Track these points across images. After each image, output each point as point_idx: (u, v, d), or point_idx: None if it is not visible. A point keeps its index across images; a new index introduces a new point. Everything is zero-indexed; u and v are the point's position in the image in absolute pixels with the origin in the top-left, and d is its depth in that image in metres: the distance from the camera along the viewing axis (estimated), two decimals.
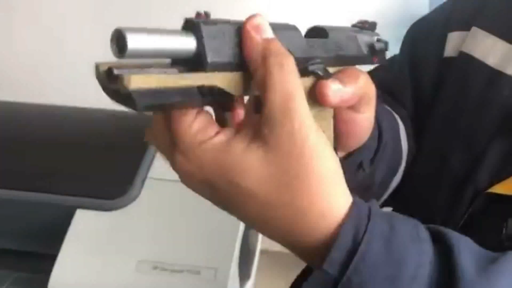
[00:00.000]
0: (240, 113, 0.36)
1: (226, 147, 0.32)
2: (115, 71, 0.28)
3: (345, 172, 0.42)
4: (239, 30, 0.33)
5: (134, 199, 0.95)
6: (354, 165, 0.47)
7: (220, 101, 0.34)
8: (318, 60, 0.37)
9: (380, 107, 0.51)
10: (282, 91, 0.32)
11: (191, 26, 0.31)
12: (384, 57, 0.44)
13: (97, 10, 1.64)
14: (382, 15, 1.50)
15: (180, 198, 0.94)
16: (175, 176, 0.36)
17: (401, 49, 0.62)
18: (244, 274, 1.04)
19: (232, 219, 1.11)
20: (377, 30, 0.44)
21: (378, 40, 0.43)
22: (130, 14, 1.63)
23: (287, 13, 1.60)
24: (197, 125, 0.32)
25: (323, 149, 0.32)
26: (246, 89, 0.34)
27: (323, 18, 1.55)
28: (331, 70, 0.38)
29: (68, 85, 1.64)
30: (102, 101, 0.38)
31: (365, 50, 0.42)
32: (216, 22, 0.32)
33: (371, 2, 1.55)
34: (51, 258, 0.88)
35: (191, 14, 0.32)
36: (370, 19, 0.44)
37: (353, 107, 0.41)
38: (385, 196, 0.56)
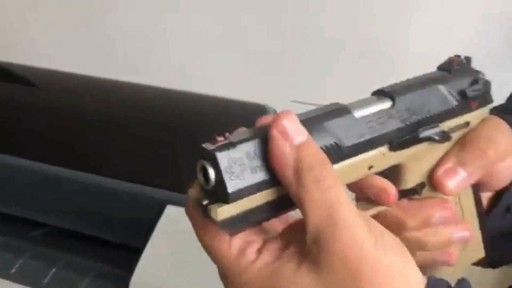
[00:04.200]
0: None
1: (274, 271, 0.30)
2: (203, 202, 0.29)
3: (492, 216, 0.41)
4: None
5: None
6: (501, 209, 0.41)
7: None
8: (429, 118, 0.34)
9: None
10: (322, 209, 0.28)
11: (206, 155, 0.29)
12: (488, 98, 0.38)
13: None
14: None
15: None
16: None
17: None
18: None
19: None
20: None
21: (474, 82, 0.36)
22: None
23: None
24: (237, 244, 0.30)
25: (381, 260, 0.29)
26: None
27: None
28: None
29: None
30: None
31: (454, 100, 0.36)
32: (235, 144, 0.29)
33: None
34: (137, 252, 0.84)
35: None
36: None
37: None
38: None
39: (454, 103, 0.36)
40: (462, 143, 0.36)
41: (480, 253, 0.41)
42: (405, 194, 0.36)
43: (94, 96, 1.09)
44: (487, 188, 0.40)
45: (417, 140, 0.34)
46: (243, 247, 0.30)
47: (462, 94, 0.36)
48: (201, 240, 0.31)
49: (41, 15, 1.87)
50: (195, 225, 0.31)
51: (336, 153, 0.31)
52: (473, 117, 0.37)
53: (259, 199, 0.30)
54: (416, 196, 0.36)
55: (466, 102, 0.36)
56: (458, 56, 0.37)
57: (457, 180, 0.35)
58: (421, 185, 0.36)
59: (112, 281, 0.87)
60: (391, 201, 0.33)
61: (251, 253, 0.30)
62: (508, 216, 0.42)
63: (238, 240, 0.30)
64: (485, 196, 0.41)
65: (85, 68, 1.22)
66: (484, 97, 0.37)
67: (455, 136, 0.36)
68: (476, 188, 0.39)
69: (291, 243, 0.30)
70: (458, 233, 0.36)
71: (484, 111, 0.37)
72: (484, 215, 0.40)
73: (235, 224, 0.29)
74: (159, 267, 0.83)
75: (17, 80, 1.14)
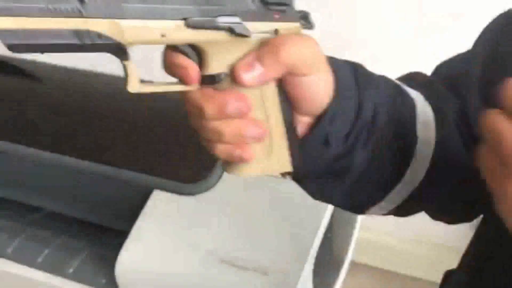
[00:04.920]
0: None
1: None
2: None
3: (311, 149, 0.41)
4: None
5: (211, 187, 0.91)
6: (320, 140, 0.42)
7: (108, 49, 0.32)
8: (229, 13, 0.36)
9: (381, 81, 0.46)
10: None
11: None
12: (294, 15, 0.40)
13: None
14: None
15: (259, 193, 0.88)
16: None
17: (477, 43, 0.52)
18: (322, 284, 0.95)
19: (311, 222, 1.02)
20: None
21: None
22: None
23: None
24: None
25: None
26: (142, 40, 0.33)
27: None
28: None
29: None
30: None
31: (252, 4, 0.38)
32: None
33: None
34: (125, 235, 0.87)
35: None
36: None
37: (291, 72, 0.39)
38: (401, 191, 0.47)
39: (252, 7, 0.38)
40: (264, 42, 0.38)
41: (287, 167, 0.41)
42: (207, 79, 0.37)
43: (88, 89, 1.13)
44: (301, 109, 0.41)
45: (215, 26, 0.36)
46: None
47: (264, 1, 0.38)
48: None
49: None
50: None
51: (117, 9, 0.32)
52: (283, 27, 0.39)
53: (36, 24, 0.29)
54: (219, 86, 0.38)
55: (268, 11, 0.38)
56: None
57: (253, 74, 0.37)
58: (225, 76, 0.38)
59: (101, 261, 0.90)
60: (192, 81, 0.36)
61: None
62: (329, 150, 0.42)
63: None
64: (305, 122, 0.42)
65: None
66: (287, 11, 0.39)
67: (262, 37, 0.38)
68: (283, 96, 0.40)
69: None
70: (251, 128, 0.38)
71: (297, 28, 0.40)
72: (291, 126, 0.41)
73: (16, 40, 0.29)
74: (143, 249, 0.85)
75: (21, 73, 1.18)
